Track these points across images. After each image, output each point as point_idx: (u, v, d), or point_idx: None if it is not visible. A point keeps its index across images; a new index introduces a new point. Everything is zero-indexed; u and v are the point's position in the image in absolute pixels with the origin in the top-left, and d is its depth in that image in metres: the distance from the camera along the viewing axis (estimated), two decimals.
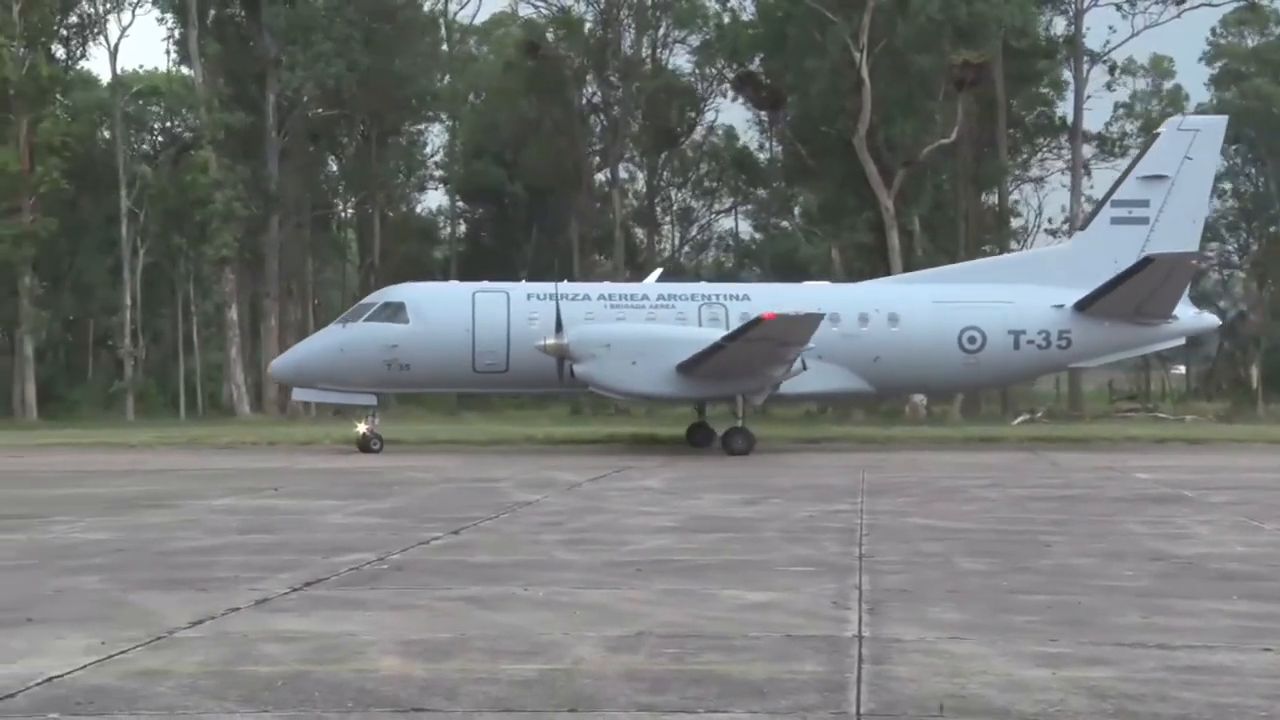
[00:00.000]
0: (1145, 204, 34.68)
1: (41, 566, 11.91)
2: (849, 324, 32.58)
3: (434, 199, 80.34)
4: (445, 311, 32.10)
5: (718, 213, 78.22)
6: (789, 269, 57.81)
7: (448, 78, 70.44)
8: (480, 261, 64.19)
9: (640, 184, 72.19)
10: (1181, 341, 37.42)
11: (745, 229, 78.56)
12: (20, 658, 7.89)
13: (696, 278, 58.87)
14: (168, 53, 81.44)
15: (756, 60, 61.43)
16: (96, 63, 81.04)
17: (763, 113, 65.49)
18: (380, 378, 31.94)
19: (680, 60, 68.57)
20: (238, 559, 12.44)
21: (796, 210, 71.57)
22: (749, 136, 71.58)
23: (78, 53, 60.68)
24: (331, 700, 6.92)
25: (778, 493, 20.04)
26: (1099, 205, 36.68)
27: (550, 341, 30.55)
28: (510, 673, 7.58)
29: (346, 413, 35.48)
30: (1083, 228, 36.56)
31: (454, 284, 36.11)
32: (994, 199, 63.58)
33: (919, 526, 15.35)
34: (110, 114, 59.47)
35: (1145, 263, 32.30)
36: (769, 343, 29.60)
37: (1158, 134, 36.15)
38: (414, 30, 65.36)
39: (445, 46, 70.96)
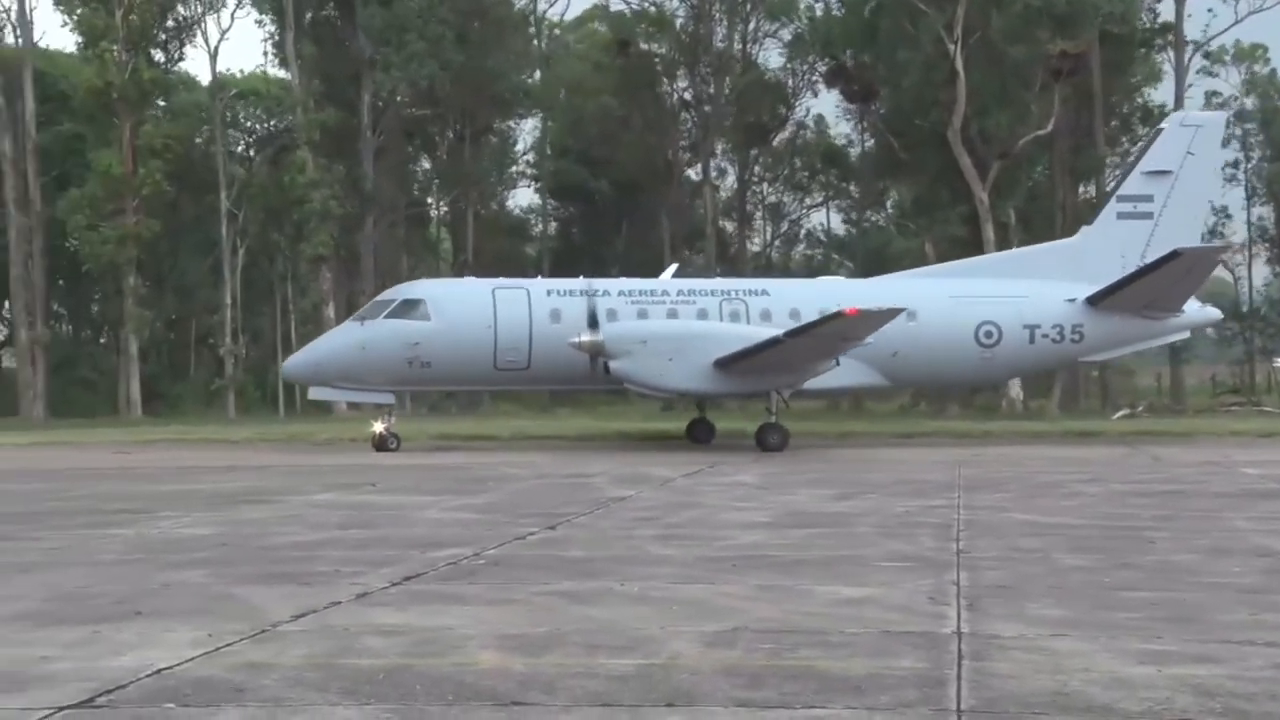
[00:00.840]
0: (1150, 199, 35.00)
1: (148, 561, 12.14)
2: None
3: (525, 196, 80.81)
4: (467, 309, 31.64)
5: (809, 207, 77.86)
6: (881, 263, 57.37)
7: (538, 75, 70.77)
8: (571, 258, 64.39)
9: (731, 179, 72.07)
10: (1186, 335, 37.46)
11: (836, 223, 78.16)
12: (130, 650, 8.05)
13: (788, 273, 58.68)
14: (265, 54, 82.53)
15: (848, 54, 61.05)
16: (194, 65, 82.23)
17: (854, 106, 65.13)
18: (401, 375, 31.44)
19: (771, 55, 68.39)
20: (338, 553, 12.59)
21: (889, 204, 71.08)
22: (840, 131, 71.26)
23: (176, 56, 61.71)
24: (432, 693, 6.99)
25: (873, 488, 19.92)
26: (1105, 200, 36.77)
27: (585, 338, 30.15)
28: (607, 667, 7.60)
29: (357, 410, 35.23)
30: (1089, 223, 36.62)
31: (472, 280, 35.92)
32: (1091, 190, 62.66)
33: (1018, 522, 15.19)
34: (209, 116, 60.42)
35: (1172, 256, 32.07)
36: (834, 338, 29.62)
37: (1161, 129, 36.33)
38: (505, 28, 65.72)
39: (536, 44, 71.23)
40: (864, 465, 25.52)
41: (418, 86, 59.52)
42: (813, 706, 6.68)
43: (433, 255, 76.29)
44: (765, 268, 65.88)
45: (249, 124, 67.92)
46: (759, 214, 76.11)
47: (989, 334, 33.22)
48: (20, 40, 57.17)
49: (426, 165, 72.88)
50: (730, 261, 64.90)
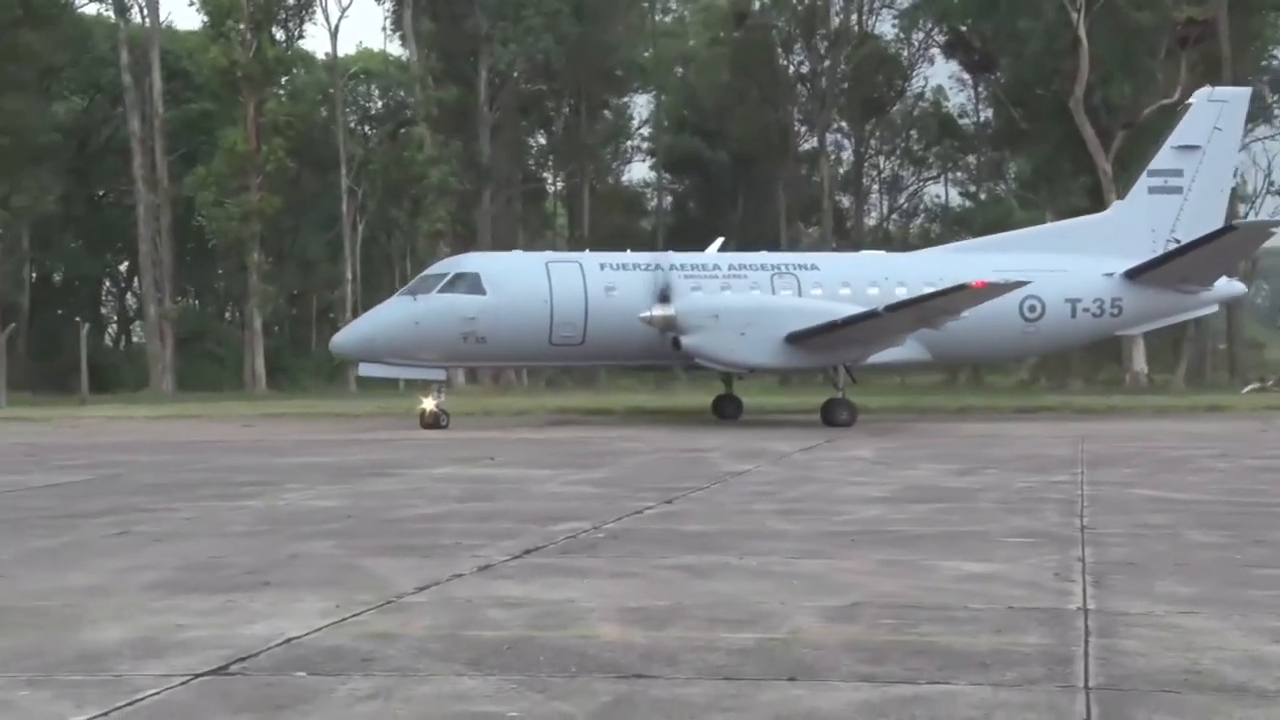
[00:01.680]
0: (1179, 174, 35.08)
1: (277, 532, 12.38)
2: (917, 294, 31.47)
3: (640, 171, 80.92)
4: (522, 283, 30.88)
5: (926, 179, 76.98)
6: None
7: (653, 48, 70.72)
8: (687, 232, 64.37)
9: (847, 152, 71.47)
10: (1215, 309, 37.20)
11: (954, 196, 77.17)
12: (261, 619, 8.22)
13: (906, 246, 58.03)
14: (384, 31, 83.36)
15: (967, 23, 60.16)
16: (314, 43, 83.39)
17: (973, 76, 64.21)
18: (454, 351, 30.64)
19: (887, 26, 67.65)
20: (459, 526, 12.74)
21: (1009, 175, 70.02)
22: (958, 101, 70.32)
23: (297, 34, 62.59)
24: (555, 665, 7.05)
25: (994, 463, 19.69)
26: (1138, 174, 36.51)
27: (657, 313, 29.84)
28: (728, 641, 7.61)
29: (411, 386, 34.29)
30: (1121, 197, 36.42)
31: (524, 254, 35.49)
32: None
33: (1144, 498, 14.92)
34: (330, 93, 61.25)
35: (1228, 229, 32.16)
36: (937, 312, 29.53)
37: (1189, 104, 36.24)
38: (620, 2, 65.76)
39: (650, 17, 71.18)
40: (984, 440, 25.23)
41: (534, 61, 59.81)
42: (937, 682, 6.63)
43: (549, 230, 76.82)
44: (883, 241, 65.20)
45: (367, 104, 68.77)
46: (875, 187, 75.45)
47: (1032, 308, 33.05)
48: (148, 20, 58.35)
49: (542, 140, 73.29)
50: (846, 235, 64.41)
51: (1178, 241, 34.12)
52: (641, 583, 9.58)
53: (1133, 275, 33.70)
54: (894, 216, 77.23)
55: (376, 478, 18.12)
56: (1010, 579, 9.61)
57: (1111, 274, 33.70)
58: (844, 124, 68.92)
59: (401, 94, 63.43)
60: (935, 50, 66.53)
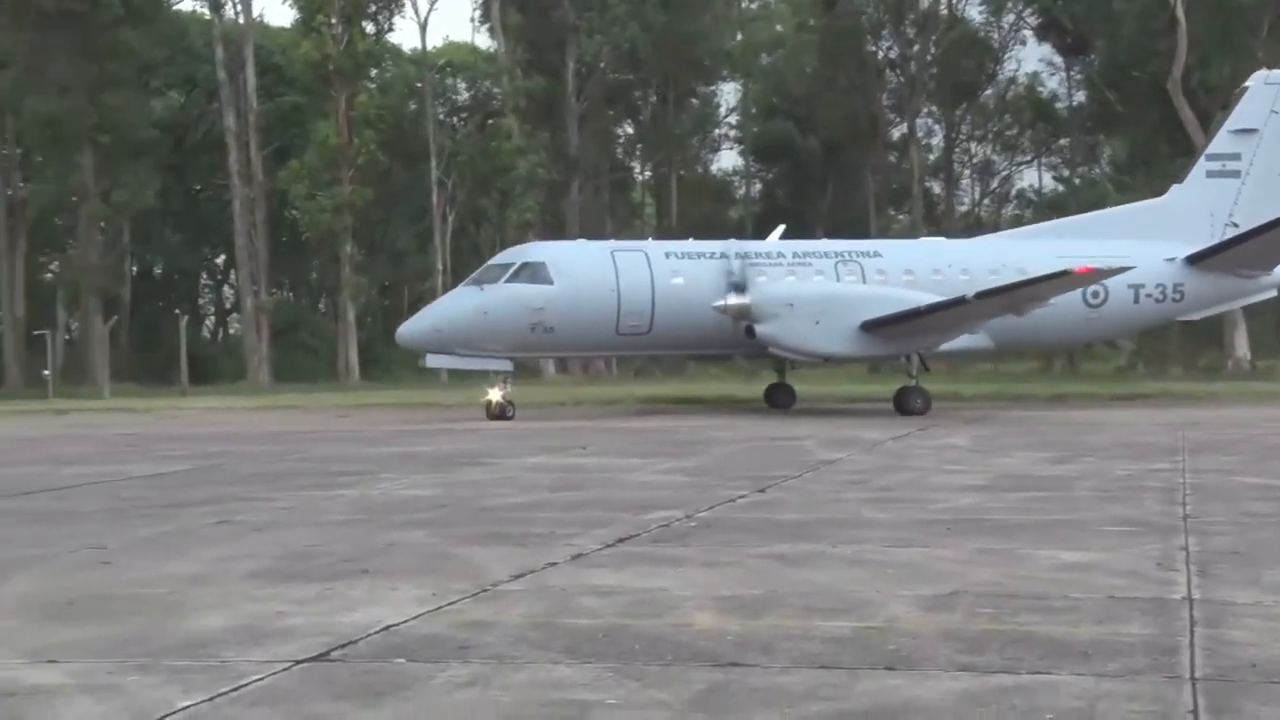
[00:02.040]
0: (1237, 158, 34.66)
1: (373, 521, 12.51)
2: (980, 281, 31.24)
3: (728, 159, 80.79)
4: (589, 272, 30.46)
5: (1018, 164, 76.07)
6: None
7: (740, 36, 70.48)
8: (775, 220, 64.09)
9: (938, 138, 70.80)
10: (1273, 293, 36.29)
11: (1048, 181, 76.19)
12: (359, 607, 8.31)
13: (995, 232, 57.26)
14: (472, 22, 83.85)
15: (1059, 5, 59.34)
16: (402, 36, 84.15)
17: (1065, 59, 63.34)
18: (522, 341, 30.17)
19: (976, 10, 66.93)
20: (551, 515, 12.79)
21: (1103, 159, 69.00)
22: (1051, 84, 69.38)
23: (386, 27, 63.10)
24: (650, 654, 7.05)
25: (1091, 450, 19.43)
26: (1195, 158, 36.15)
27: (732, 301, 29.61)
28: (824, 630, 7.57)
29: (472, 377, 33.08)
30: (1179, 181, 35.91)
31: (589, 243, 35.05)
32: None
33: (1248, 486, 14.65)
34: (419, 86, 61.72)
35: None
36: (1026, 299, 29.36)
37: (1246, 87, 35.83)
38: None
39: (737, 4, 70.95)
40: (1081, 428, 24.91)
41: (620, 50, 59.84)
42: (1038, 672, 6.55)
43: (636, 219, 76.92)
44: (974, 227, 64.52)
45: (456, 96, 69.22)
46: (967, 173, 74.67)
47: (1096, 294, 32.55)
48: (242, 15, 59.15)
49: (630, 130, 73.34)
50: (936, 222, 63.82)
51: (1236, 226, 33.84)
52: (735, 571, 9.56)
53: (1194, 260, 33.37)
54: (985, 202, 76.43)
55: (469, 467, 18.25)
56: (1110, 568, 9.48)
57: (1173, 259, 33.33)
58: (934, 109, 68.26)
59: (489, 86, 63.80)
60: (1027, 32, 65.75)
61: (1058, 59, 65.41)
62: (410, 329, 30.61)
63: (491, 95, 63.83)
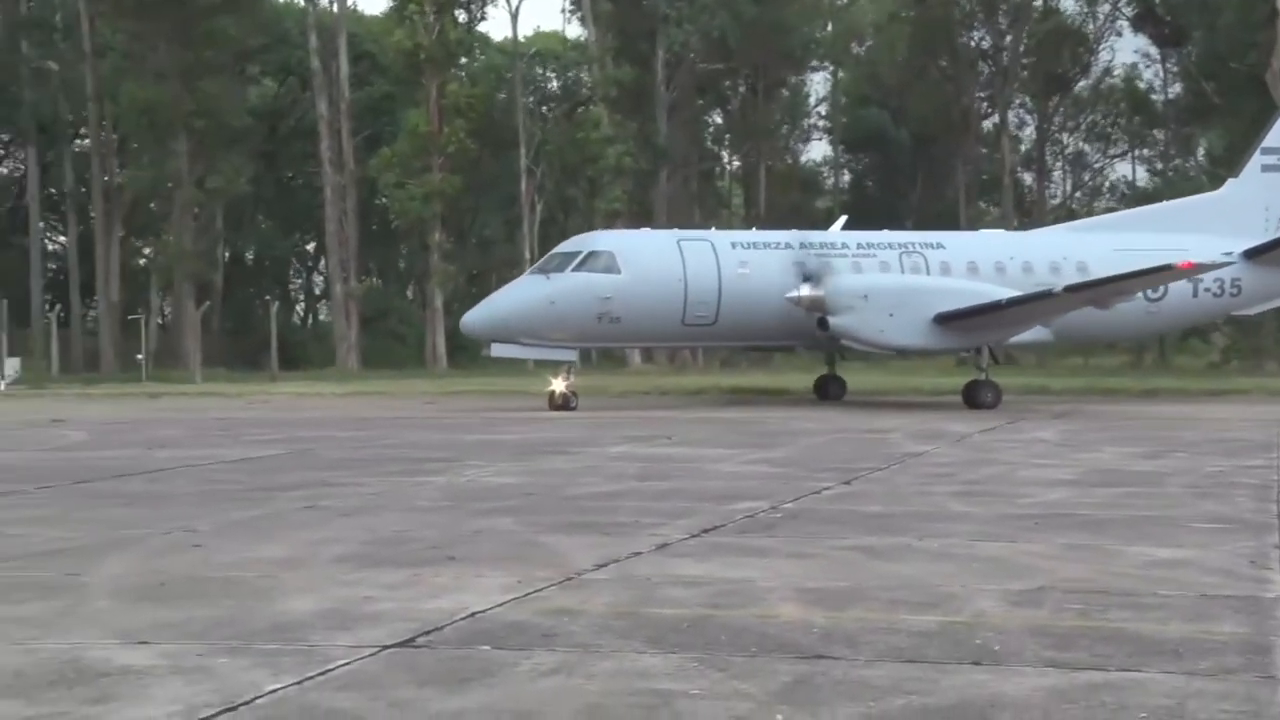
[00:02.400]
0: None
1: (459, 508, 12.61)
2: (1041, 274, 31.16)
3: (818, 149, 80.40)
4: (656, 261, 30.04)
5: (1112, 157, 74.95)
6: None
7: (830, 26, 70.08)
8: (864, 211, 63.79)
9: (1029, 129, 69.96)
10: None
11: (1141, 173, 74.99)
12: (445, 593, 8.38)
13: None
14: (563, 12, 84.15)
15: None
16: (493, 25, 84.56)
17: (1162, 50, 62.33)
18: (588, 331, 29.69)
19: (1071, 1, 66.01)
20: (636, 504, 12.82)
21: (1200, 152, 67.82)
22: (1145, 76, 68.28)
23: (478, 16, 63.45)
24: (735, 644, 7.04)
25: (1183, 446, 19.14)
26: (1250, 151, 35.75)
27: (805, 293, 29.19)
28: (910, 623, 7.52)
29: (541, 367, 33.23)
30: (1235, 175, 35.54)
31: (654, 231, 34.66)
32: None
33: None
34: (510, 75, 61.99)
35: None
36: (1111, 294, 29.37)
37: None
38: None
39: None
40: (1172, 423, 24.54)
41: (710, 39, 59.72)
42: (1127, 669, 6.47)
43: (724, 209, 76.80)
44: (1066, 219, 63.64)
45: (545, 85, 69.45)
46: (1058, 164, 73.73)
47: (1155, 288, 32.14)
48: (336, 4, 59.73)
49: (718, 119, 73.18)
50: (1027, 214, 63.11)
51: None
52: (820, 563, 9.53)
53: (1251, 255, 33.12)
54: (1077, 194, 75.41)
55: (555, 455, 18.32)
56: (1202, 565, 9.33)
57: (1230, 253, 32.79)
58: (1026, 100, 67.46)
59: (579, 75, 63.94)
60: (1123, 23, 64.79)
61: (1153, 50, 64.40)
62: (476, 317, 29.94)
63: (581, 84, 63.98)
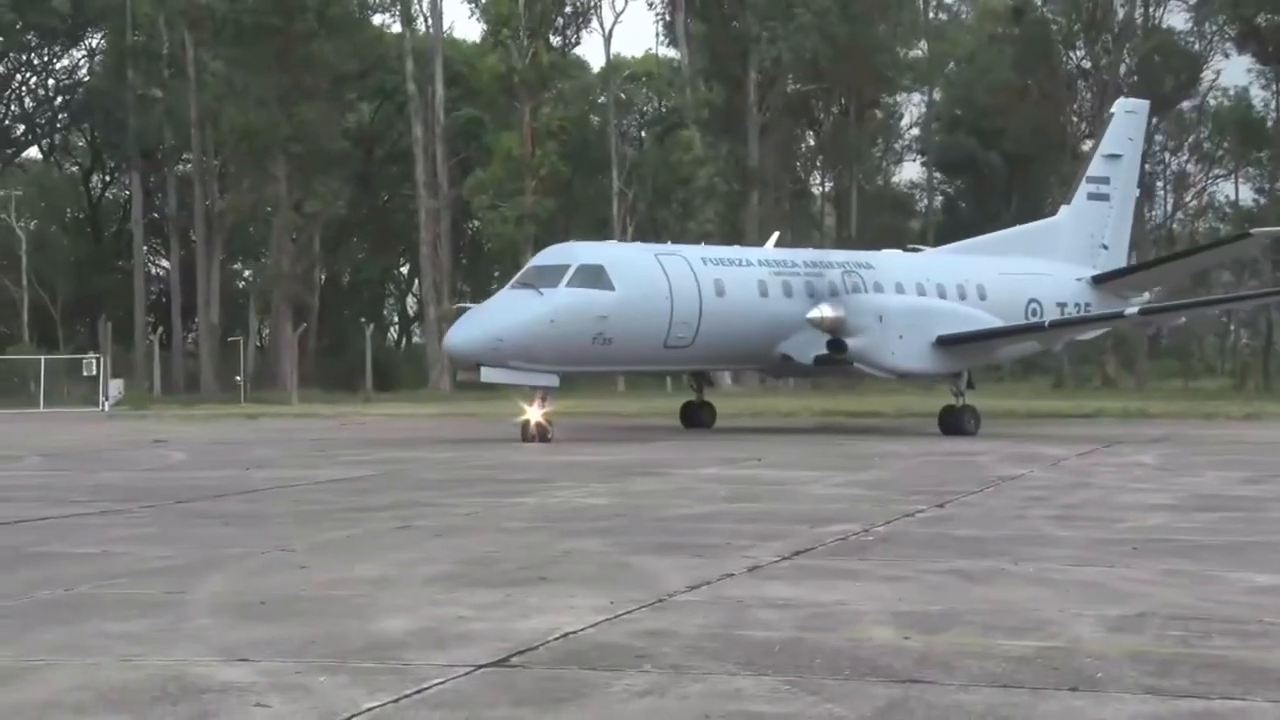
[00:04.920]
0: (1107, 181, 35.89)
1: (550, 529, 12.65)
2: (953, 297, 30.97)
3: (911, 171, 79.95)
4: (644, 278, 27.38)
5: (1216, 177, 73.71)
6: None
7: (925, 46, 69.72)
8: (956, 233, 63.26)
9: None
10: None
11: (1245, 193, 73.67)
12: (537, 614, 8.41)
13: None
14: (656, 36, 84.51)
15: (1261, 16, 57.40)
16: (585, 48, 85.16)
17: (1269, 69, 61.27)
18: (580, 354, 26.51)
19: (1175, 19, 65.09)
20: (727, 526, 12.79)
21: None
22: (1254, 96, 67.09)
23: (572, 40, 63.94)
24: (828, 667, 7.00)
25: None
26: (1077, 180, 36.97)
27: (827, 313, 27.76)
28: (1005, 649, 7.43)
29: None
30: (1067, 202, 36.56)
31: (631, 244, 32.79)
32: None
33: None
34: (604, 99, 62.35)
35: (1243, 236, 34.12)
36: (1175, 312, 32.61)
37: (1111, 114, 37.31)
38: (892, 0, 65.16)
39: (924, 15, 70.21)
40: (1275, 447, 24.05)
41: (802, 60, 59.68)
42: (1230, 698, 6.34)
43: (816, 230, 76.55)
44: (1167, 241, 62.84)
45: (638, 107, 69.74)
46: (1161, 185, 72.62)
47: (1034, 311, 32.53)
48: (431, 29, 60.45)
49: (810, 141, 73.03)
50: None
51: (1105, 249, 35.46)
52: (913, 587, 9.44)
53: (1100, 281, 34.30)
54: (1178, 215, 74.25)
55: (644, 476, 18.34)
56: None
57: (1081, 279, 34.03)
58: None
59: (672, 96, 64.12)
60: (1230, 43, 63.78)
61: (1263, 68, 63.28)
62: (465, 337, 26.13)
63: (673, 107, 64.16)
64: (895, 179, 79.42)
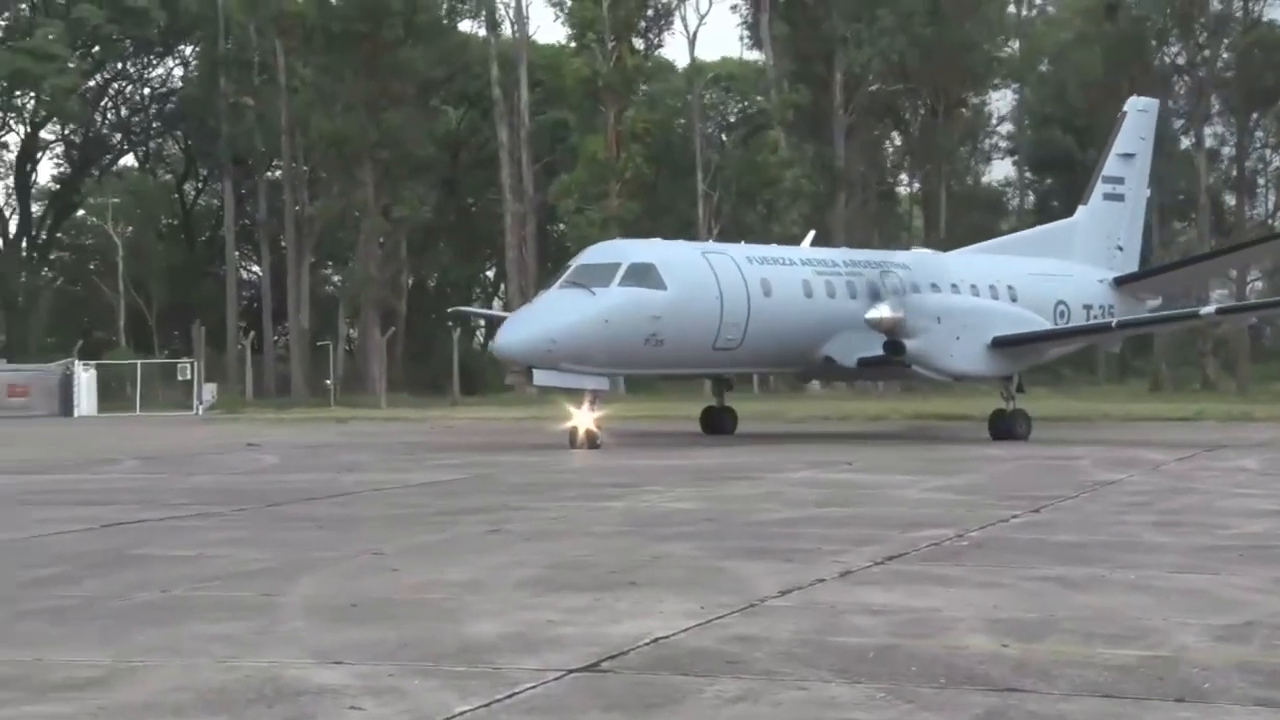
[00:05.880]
0: (1122, 181, 35.65)
1: (639, 533, 12.59)
2: (983, 294, 30.68)
3: (1001, 169, 79.07)
4: (695, 276, 26.60)
5: None
6: None
7: (1015, 44, 68.97)
8: None
9: (1229, 146, 67.71)
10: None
11: None
12: (627, 618, 8.35)
13: None
14: (741, 39, 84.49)
15: None
16: (670, 51, 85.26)
17: None
18: (633, 356, 25.76)
19: (1276, 12, 63.83)
20: (818, 531, 12.66)
21: None
22: None
23: (656, 43, 63.96)
24: (923, 675, 6.88)
25: None
26: (1094, 180, 36.48)
27: (886, 314, 26.82)
28: (1106, 657, 7.26)
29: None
30: (1084, 202, 36.07)
31: (680, 242, 31.08)
32: None
33: None
34: (689, 101, 62.31)
35: (1273, 237, 33.91)
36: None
37: (1124, 113, 36.55)
38: None
39: (1014, 11, 69.46)
40: None
41: (889, 61, 59.27)
42: None
43: (904, 231, 75.98)
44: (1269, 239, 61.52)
45: (724, 107, 69.60)
46: (1262, 182, 71.26)
47: (1062, 313, 32.04)
48: (517, 33, 60.75)
49: (897, 141, 72.51)
50: (1226, 234, 61.13)
51: (1121, 250, 35.20)
52: (1010, 593, 9.27)
53: (1121, 282, 34.05)
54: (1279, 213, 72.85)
55: (733, 481, 18.24)
56: None
57: (1104, 280, 33.91)
58: (1226, 116, 65.35)
59: (757, 98, 63.95)
60: None
61: None
62: (517, 338, 25.22)
63: (759, 108, 63.98)
64: (986, 178, 78.67)
